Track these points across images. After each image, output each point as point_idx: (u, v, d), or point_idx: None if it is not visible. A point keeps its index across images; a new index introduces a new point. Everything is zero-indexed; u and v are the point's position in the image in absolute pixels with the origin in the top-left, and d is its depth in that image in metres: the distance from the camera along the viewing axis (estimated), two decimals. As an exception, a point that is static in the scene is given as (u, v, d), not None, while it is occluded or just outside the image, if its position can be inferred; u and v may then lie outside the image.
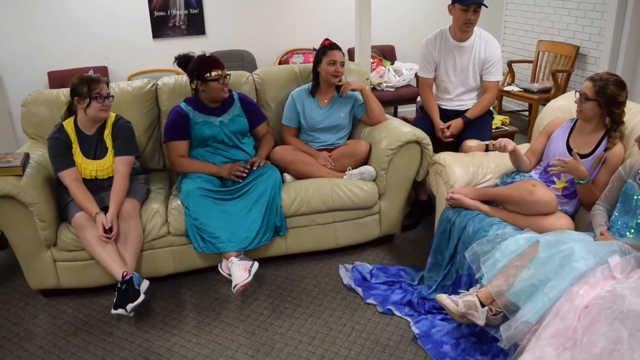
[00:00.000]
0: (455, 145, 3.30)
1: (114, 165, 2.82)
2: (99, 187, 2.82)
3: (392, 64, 5.02)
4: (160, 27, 4.71)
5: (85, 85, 2.72)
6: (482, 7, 3.14)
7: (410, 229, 3.42)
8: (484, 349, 2.39)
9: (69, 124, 2.81)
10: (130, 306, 2.47)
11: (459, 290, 2.50)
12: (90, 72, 2.81)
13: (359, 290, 2.83)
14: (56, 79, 4.41)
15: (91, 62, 4.54)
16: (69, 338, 2.58)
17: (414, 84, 4.82)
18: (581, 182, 2.50)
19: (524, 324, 2.13)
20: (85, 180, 2.79)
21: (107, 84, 2.82)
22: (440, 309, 2.64)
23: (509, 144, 2.71)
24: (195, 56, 3.04)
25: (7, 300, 2.89)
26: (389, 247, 3.27)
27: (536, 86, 4.64)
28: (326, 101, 3.24)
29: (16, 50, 4.33)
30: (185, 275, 2.99)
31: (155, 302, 2.80)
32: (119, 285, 2.55)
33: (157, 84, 3.28)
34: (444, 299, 2.27)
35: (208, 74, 2.94)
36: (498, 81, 3.36)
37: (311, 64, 3.44)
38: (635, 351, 1.81)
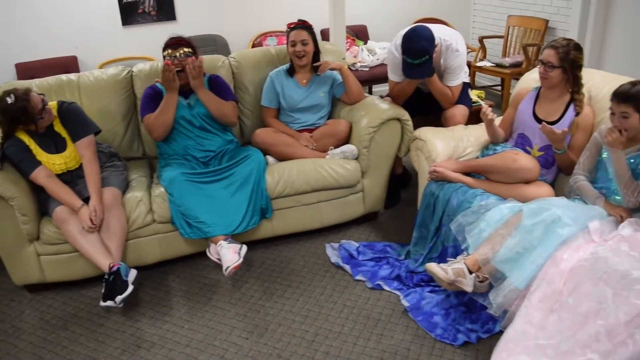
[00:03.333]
0: (436, 118, 3.31)
1: (77, 152, 2.76)
2: (75, 178, 2.78)
3: (365, 43, 5.03)
4: (130, 13, 4.60)
5: (22, 115, 2.57)
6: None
7: (393, 206, 3.46)
8: (473, 317, 2.45)
9: (19, 132, 2.70)
10: (119, 298, 2.45)
11: (447, 260, 2.56)
12: (11, 97, 2.56)
13: (347, 267, 2.86)
14: (24, 71, 4.29)
15: (60, 51, 4.43)
16: (59, 332, 2.55)
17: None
18: (558, 151, 2.56)
19: (512, 291, 2.20)
20: (58, 176, 2.72)
21: (31, 91, 2.64)
22: (428, 281, 2.70)
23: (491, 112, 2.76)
24: None
25: (-10, 297, 2.84)
26: (373, 224, 3.30)
27: (508, 61, 4.70)
28: (305, 81, 3.23)
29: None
30: (172, 262, 2.98)
31: (143, 291, 2.78)
32: (105, 277, 2.53)
33: (132, 71, 3.23)
34: (433, 267, 2.31)
35: (163, 53, 2.96)
36: (459, 85, 3.16)
37: (283, 46, 3.46)
38: (619, 308, 1.88)
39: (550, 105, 2.66)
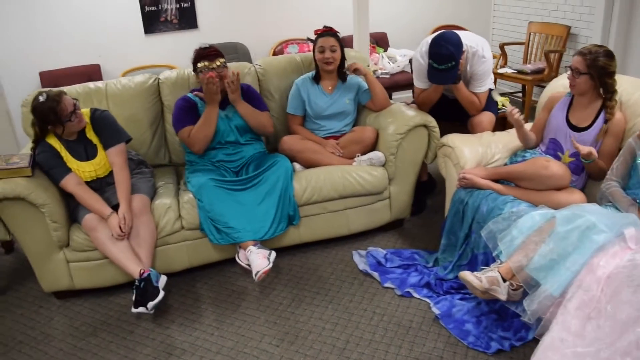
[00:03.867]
0: (462, 125, 3.30)
1: (108, 159, 2.78)
2: (104, 186, 2.80)
3: (385, 50, 5.04)
4: (152, 22, 4.64)
5: (50, 114, 2.61)
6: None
7: (419, 213, 3.45)
8: (505, 325, 2.43)
9: (50, 138, 2.73)
10: (151, 304, 2.47)
11: (477, 269, 2.55)
12: (43, 95, 2.62)
13: (376, 274, 2.85)
14: (48, 79, 4.34)
15: (83, 60, 4.48)
16: (89, 339, 2.56)
17: (408, 69, 4.83)
18: (586, 160, 2.55)
19: (547, 298, 2.17)
20: (87, 183, 2.74)
21: (65, 94, 2.69)
22: (458, 288, 2.68)
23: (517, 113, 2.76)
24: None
25: (19, 304, 2.85)
26: (400, 231, 3.29)
27: (529, 67, 4.69)
28: (330, 88, 3.25)
29: (7, 50, 4.25)
30: (200, 269, 2.99)
31: (172, 298, 2.79)
32: (136, 284, 2.54)
33: (159, 79, 3.25)
34: (467, 275, 2.30)
35: (197, 66, 2.95)
36: (485, 92, 3.17)
37: (308, 53, 3.51)
38: (660, 316, 1.86)
39: (583, 111, 2.65)
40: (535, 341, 2.25)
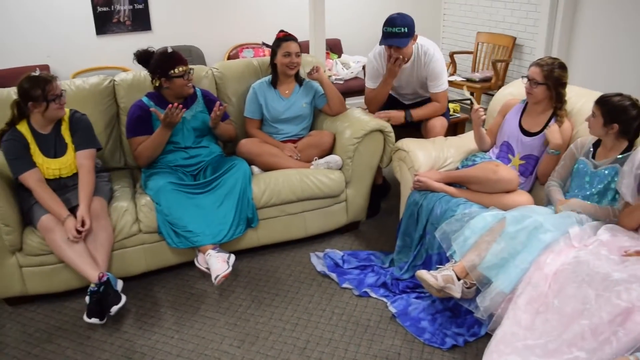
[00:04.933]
0: (416, 130, 3.43)
1: (76, 161, 2.75)
2: (63, 187, 2.75)
3: (339, 57, 5.15)
4: (104, 23, 4.58)
5: (38, 88, 2.59)
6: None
7: (373, 215, 3.55)
8: (459, 322, 2.55)
9: (22, 126, 2.70)
10: (114, 308, 2.46)
11: (432, 268, 2.65)
12: (36, 71, 2.66)
13: (334, 275, 2.92)
14: (-6, 79, 4.21)
15: (32, 60, 4.36)
16: (44, 345, 2.50)
17: (361, 76, 4.95)
18: (555, 152, 2.70)
19: (498, 295, 2.29)
20: (48, 181, 2.70)
21: (57, 79, 2.70)
22: (414, 288, 2.78)
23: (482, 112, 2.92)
24: (156, 52, 3.01)
25: (-33, 312, 2.77)
26: (356, 233, 3.38)
27: (477, 75, 4.90)
28: (287, 92, 3.31)
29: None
30: (157, 273, 2.97)
31: (129, 302, 2.74)
32: (94, 288, 2.51)
33: (115, 80, 3.22)
34: (423, 274, 2.40)
35: (172, 71, 2.92)
36: (444, 90, 3.30)
37: (264, 58, 3.54)
38: (602, 308, 2.00)
39: (535, 118, 2.82)
40: (488, 336, 2.37)
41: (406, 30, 3.04)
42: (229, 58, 4.94)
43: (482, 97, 5.03)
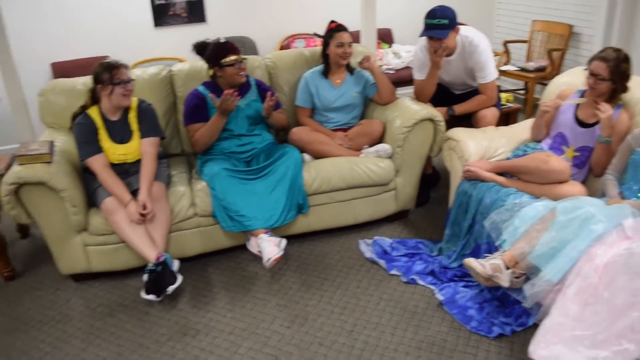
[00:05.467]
0: (467, 120, 3.42)
1: (140, 148, 2.90)
2: (125, 172, 2.91)
3: (390, 46, 5.17)
4: (161, 15, 4.76)
5: (106, 72, 2.79)
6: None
7: (423, 204, 3.58)
8: (507, 312, 2.56)
9: (93, 110, 2.88)
10: (171, 288, 2.61)
11: (481, 257, 2.67)
12: (109, 58, 2.87)
13: (382, 262, 2.98)
14: (60, 70, 4.45)
15: (93, 52, 4.59)
16: (106, 319, 2.68)
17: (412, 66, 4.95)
18: (607, 139, 2.65)
19: (546, 283, 2.29)
20: (112, 166, 2.86)
21: (127, 68, 2.89)
22: (462, 276, 2.81)
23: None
24: (212, 43, 3.14)
25: (37, 286, 2.97)
26: (404, 222, 3.43)
27: (532, 65, 4.82)
28: (339, 81, 3.37)
29: (19, 42, 4.33)
30: (212, 255, 3.11)
31: (185, 282, 2.88)
32: (152, 267, 2.66)
33: (172, 70, 3.37)
34: (471, 262, 2.42)
35: (224, 60, 3.04)
36: (492, 81, 3.26)
37: (316, 48, 3.61)
38: (653, 301, 1.99)
39: (592, 108, 2.74)
40: (536, 327, 2.37)
41: (446, 22, 3.04)
42: (281, 49, 5.03)
43: (536, 87, 4.94)
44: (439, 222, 3.35)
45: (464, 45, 3.17)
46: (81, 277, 2.97)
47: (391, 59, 4.92)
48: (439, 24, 3.03)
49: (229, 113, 3.01)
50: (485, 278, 2.42)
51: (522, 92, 5.42)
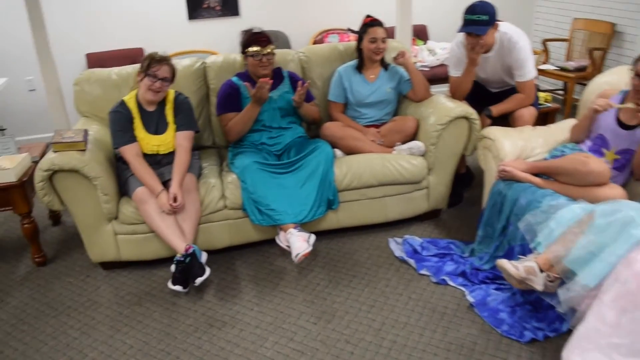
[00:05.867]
0: (503, 118, 3.37)
1: (174, 140, 2.94)
2: (157, 162, 2.94)
3: (425, 43, 5.12)
4: (195, 8, 4.82)
5: (147, 60, 2.86)
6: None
7: (455, 204, 3.54)
8: (540, 316, 2.51)
9: (130, 99, 2.93)
10: (199, 280, 2.63)
11: (514, 259, 2.63)
12: (161, 52, 2.91)
13: (412, 261, 2.95)
14: (95, 61, 4.54)
15: (128, 44, 4.67)
16: (134, 307, 2.72)
17: (447, 63, 4.89)
18: None
19: (582, 288, 2.24)
20: (145, 156, 2.90)
21: (171, 67, 2.90)
22: (493, 279, 2.77)
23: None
24: (247, 30, 3.18)
25: (67, 273, 3.04)
26: (436, 221, 3.39)
27: (572, 64, 4.72)
28: (372, 77, 3.35)
29: (56, 32, 4.43)
30: (239, 248, 3.13)
31: (212, 274, 2.91)
32: (180, 258, 2.68)
33: (205, 63, 3.40)
34: (505, 263, 2.38)
35: (248, 49, 3.10)
36: (530, 79, 3.20)
37: (350, 42, 3.62)
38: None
39: (635, 110, 2.67)
40: (570, 333, 2.33)
41: (486, 18, 2.98)
42: (314, 43, 5.03)
43: (576, 87, 4.84)
44: (472, 223, 3.30)
45: (503, 42, 3.12)
46: (110, 266, 3.03)
47: (426, 56, 4.87)
48: (479, 20, 2.98)
49: (263, 102, 3.02)
50: (518, 280, 2.38)
51: (560, 92, 5.31)
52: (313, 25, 5.15)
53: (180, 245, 2.72)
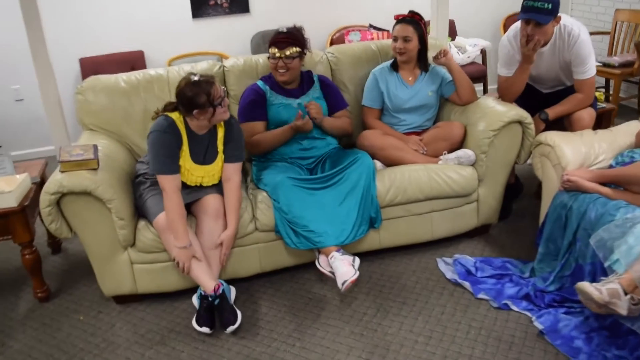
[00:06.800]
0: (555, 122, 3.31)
1: (223, 173, 2.80)
2: (195, 191, 2.82)
3: (453, 39, 5.08)
4: (200, 6, 4.75)
5: (203, 94, 2.58)
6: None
7: (505, 218, 3.48)
8: (619, 343, 2.44)
9: (180, 120, 2.70)
10: (230, 329, 2.58)
11: (583, 280, 2.57)
12: (195, 77, 2.63)
13: (467, 284, 2.88)
14: (89, 66, 4.46)
15: (126, 46, 4.59)
16: (157, 347, 2.62)
17: (479, 61, 4.87)
18: None
19: (676, 311, 2.19)
20: (184, 187, 2.75)
21: (215, 78, 2.69)
22: (561, 301, 2.70)
23: None
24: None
25: (76, 309, 2.93)
26: (486, 238, 3.33)
27: (616, 60, 4.69)
28: (411, 79, 3.29)
29: (47, 35, 4.38)
30: (270, 275, 3.05)
31: (243, 305, 2.83)
32: (209, 299, 2.61)
33: (225, 66, 3.33)
34: (586, 287, 2.30)
35: (269, 50, 3.06)
36: (590, 77, 3.16)
37: (383, 41, 3.59)
38: None
39: None
40: (658, 361, 2.28)
41: (550, 6, 2.93)
42: (332, 42, 4.98)
43: (622, 84, 4.81)
44: (525, 238, 3.25)
45: (562, 35, 3.06)
46: (125, 299, 2.93)
47: (455, 53, 4.83)
48: (542, 8, 2.91)
49: (303, 132, 3.02)
50: (599, 305, 2.31)
51: (601, 90, 5.28)
52: (331, 22, 5.09)
53: (209, 283, 2.63)
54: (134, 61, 4.48)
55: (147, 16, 4.68)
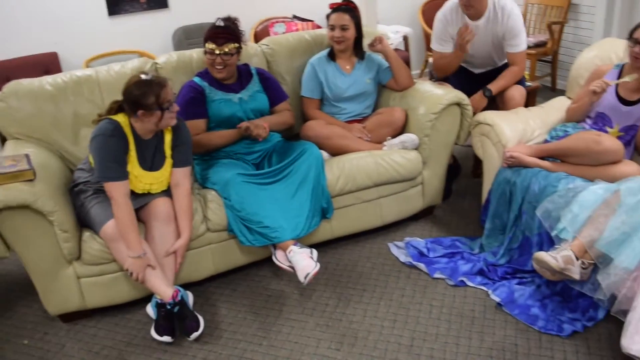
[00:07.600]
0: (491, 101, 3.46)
1: (171, 178, 2.70)
2: (140, 195, 2.70)
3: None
4: (116, 2, 4.54)
5: (151, 95, 2.48)
6: None
7: (446, 198, 3.58)
8: (572, 306, 2.59)
9: (125, 124, 2.57)
10: (194, 335, 2.52)
11: (531, 251, 2.71)
12: (147, 76, 2.53)
13: (422, 266, 2.96)
14: (-2, 72, 4.17)
15: (37, 48, 4.31)
16: (116, 363, 2.52)
17: (402, 47, 4.97)
18: None
19: (623, 271, 2.32)
20: (131, 192, 2.61)
21: (168, 81, 2.59)
22: (513, 273, 2.83)
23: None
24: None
25: (18, 333, 2.73)
26: (431, 219, 3.42)
27: (531, 40, 4.92)
28: (348, 67, 3.32)
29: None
30: (223, 276, 2.99)
31: (201, 309, 2.76)
32: (167, 307, 2.54)
33: (157, 63, 3.20)
34: (544, 256, 2.42)
35: (205, 45, 2.99)
36: (524, 50, 3.35)
37: (317, 31, 3.61)
38: None
39: (634, 84, 2.81)
40: (608, 320, 2.44)
41: None
42: (255, 35, 4.91)
43: (537, 64, 5.07)
44: (469, 216, 3.38)
45: (495, 9, 3.23)
46: (72, 317, 2.76)
47: (377, 41, 4.91)
48: None
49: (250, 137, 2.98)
50: (553, 272, 2.44)
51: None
52: (253, 15, 5.01)
53: (166, 291, 2.55)
54: (47, 64, 4.22)
55: (59, 15, 4.41)
